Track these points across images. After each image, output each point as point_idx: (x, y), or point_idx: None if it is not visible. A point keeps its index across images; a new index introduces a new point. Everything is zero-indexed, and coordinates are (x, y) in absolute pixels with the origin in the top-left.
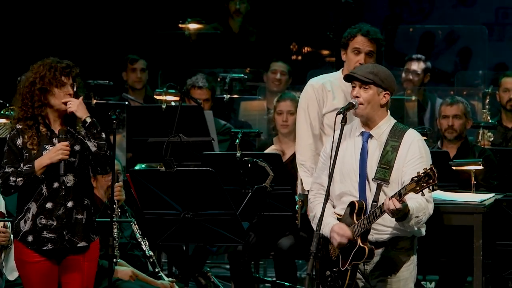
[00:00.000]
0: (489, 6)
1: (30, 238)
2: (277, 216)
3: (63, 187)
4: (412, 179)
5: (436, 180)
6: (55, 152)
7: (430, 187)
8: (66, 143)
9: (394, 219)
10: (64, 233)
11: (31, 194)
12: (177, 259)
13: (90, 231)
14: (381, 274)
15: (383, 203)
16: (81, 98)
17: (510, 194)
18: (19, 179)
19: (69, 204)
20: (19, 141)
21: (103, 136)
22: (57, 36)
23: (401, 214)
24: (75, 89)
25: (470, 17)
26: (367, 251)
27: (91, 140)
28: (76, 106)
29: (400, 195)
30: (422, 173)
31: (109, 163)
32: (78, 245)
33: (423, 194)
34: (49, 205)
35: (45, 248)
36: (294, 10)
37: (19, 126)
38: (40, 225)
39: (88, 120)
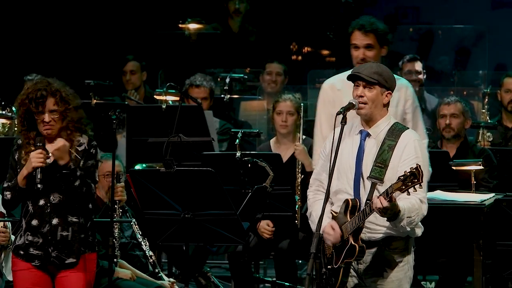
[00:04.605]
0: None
1: (21, 252)
2: (277, 216)
3: (49, 204)
4: (399, 178)
5: (422, 179)
6: (29, 161)
7: (415, 187)
8: (40, 150)
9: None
10: (50, 250)
11: (22, 210)
12: (177, 259)
13: (79, 245)
14: (374, 273)
15: (372, 202)
16: (63, 143)
17: (510, 194)
18: (7, 192)
19: (54, 221)
20: (16, 156)
21: (76, 184)
22: (58, 36)
23: (391, 214)
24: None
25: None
26: (357, 249)
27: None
28: (56, 157)
29: (387, 194)
30: (408, 172)
31: (86, 201)
32: (67, 262)
33: (408, 193)
34: (34, 222)
35: (33, 264)
36: (294, 10)
37: (19, 142)
38: (27, 242)
39: (63, 170)
